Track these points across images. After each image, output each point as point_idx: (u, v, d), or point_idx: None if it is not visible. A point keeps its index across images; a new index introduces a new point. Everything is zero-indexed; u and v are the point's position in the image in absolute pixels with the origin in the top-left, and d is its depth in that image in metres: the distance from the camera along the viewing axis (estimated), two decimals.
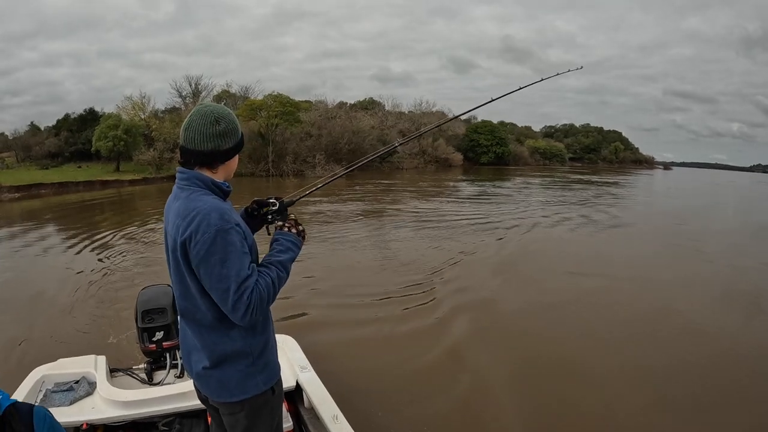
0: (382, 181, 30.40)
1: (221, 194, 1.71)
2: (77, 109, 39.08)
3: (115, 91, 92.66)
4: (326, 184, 2.42)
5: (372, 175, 34.79)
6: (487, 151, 54.66)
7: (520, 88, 3.07)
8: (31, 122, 40.49)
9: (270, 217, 1.94)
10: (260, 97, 37.50)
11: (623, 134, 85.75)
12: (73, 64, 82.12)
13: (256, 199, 1.99)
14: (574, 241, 12.79)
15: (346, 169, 2.74)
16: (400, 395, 4.39)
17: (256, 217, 1.99)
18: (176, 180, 1.72)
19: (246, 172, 31.81)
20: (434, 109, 53.51)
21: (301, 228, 1.88)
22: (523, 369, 5.04)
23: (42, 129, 39.24)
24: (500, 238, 12.31)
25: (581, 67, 3.58)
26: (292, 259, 1.79)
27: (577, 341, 5.83)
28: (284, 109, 33.30)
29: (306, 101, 45.22)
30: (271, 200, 1.97)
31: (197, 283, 1.64)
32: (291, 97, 36.15)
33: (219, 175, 1.73)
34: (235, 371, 1.74)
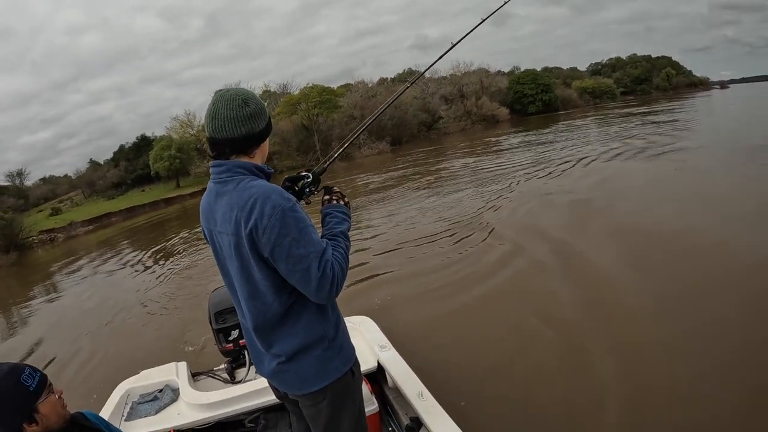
0: (422, 150, 29.77)
1: (266, 178, 1.60)
2: (130, 137, 40.85)
3: (162, 113, 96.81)
4: (344, 147, 2.30)
5: (420, 144, 34.48)
6: (533, 101, 52.48)
7: (473, 29, 2.95)
8: (90, 159, 42.83)
9: (308, 189, 1.86)
10: (298, 92, 37.72)
11: (673, 59, 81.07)
12: (118, 96, 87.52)
13: (287, 176, 1.89)
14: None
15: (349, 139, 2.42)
16: (486, 365, 4.12)
17: (292, 193, 1.84)
18: (213, 174, 1.58)
19: (296, 165, 32.18)
20: (473, 68, 51.96)
21: (347, 199, 1.82)
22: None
23: (102, 163, 41.34)
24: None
25: None
26: (349, 229, 1.73)
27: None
28: (321, 98, 33.35)
29: (343, 85, 45.29)
30: (303, 173, 1.88)
31: (268, 277, 1.55)
32: (329, 85, 36.53)
33: (256, 160, 1.61)
34: (313, 358, 1.66)
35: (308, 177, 1.88)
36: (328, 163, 2.05)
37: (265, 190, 1.48)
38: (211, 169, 1.59)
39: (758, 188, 8.16)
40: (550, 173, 12.79)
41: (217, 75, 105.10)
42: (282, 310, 1.60)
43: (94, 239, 21.39)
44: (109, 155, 40.84)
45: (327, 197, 1.81)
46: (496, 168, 15.56)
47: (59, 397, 1.63)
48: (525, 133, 29.41)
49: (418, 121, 40.77)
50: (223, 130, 1.52)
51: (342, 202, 1.79)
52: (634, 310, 4.67)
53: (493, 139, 28.76)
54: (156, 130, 38.82)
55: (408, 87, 2.91)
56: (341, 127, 35.79)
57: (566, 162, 14.21)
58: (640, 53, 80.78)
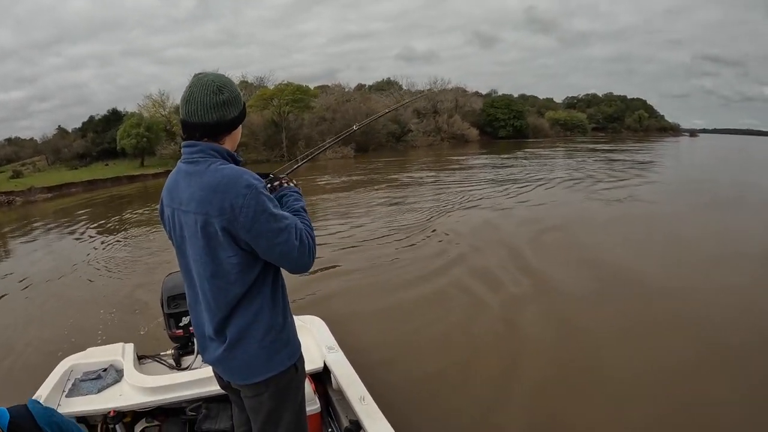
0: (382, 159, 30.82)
1: (236, 164, 1.65)
2: (104, 108, 40.71)
3: (140, 88, 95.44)
4: (309, 159, 2.47)
5: (386, 154, 35.68)
6: (505, 125, 54.34)
7: (385, 113, 3.30)
8: (59, 126, 42.48)
9: (269, 186, 1.87)
10: (273, 87, 38.32)
11: (648, 102, 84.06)
12: (98, 65, 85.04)
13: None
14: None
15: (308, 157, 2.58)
16: (430, 370, 4.31)
17: None
18: (184, 154, 1.62)
19: (261, 158, 32.98)
20: (450, 86, 53.41)
21: (295, 181, 1.88)
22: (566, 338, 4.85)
23: (70, 132, 41.08)
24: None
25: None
26: (304, 208, 1.78)
27: None
28: (294, 96, 34.02)
29: (319, 86, 46.01)
30: (264, 174, 1.91)
31: (235, 256, 1.59)
32: (308, 84, 37.13)
33: (226, 146, 1.67)
34: (259, 348, 1.69)
35: (266, 176, 1.93)
36: (292, 169, 2.14)
37: (237, 172, 1.54)
38: (183, 149, 1.62)
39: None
40: (507, 192, 14.49)
41: (200, 58, 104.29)
42: (243, 291, 1.63)
43: (52, 207, 21.31)
44: (79, 124, 40.58)
45: (276, 182, 1.84)
46: (453, 183, 17.11)
47: None
48: (489, 156, 31.13)
49: (387, 131, 41.84)
50: (195, 114, 1.57)
51: (292, 184, 1.83)
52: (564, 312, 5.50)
53: (457, 158, 30.08)
54: (129, 105, 39.02)
55: (382, 114, 3.16)
56: (311, 128, 36.58)
57: (522, 185, 15.94)
58: (617, 92, 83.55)
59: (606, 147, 40.14)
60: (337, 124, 36.62)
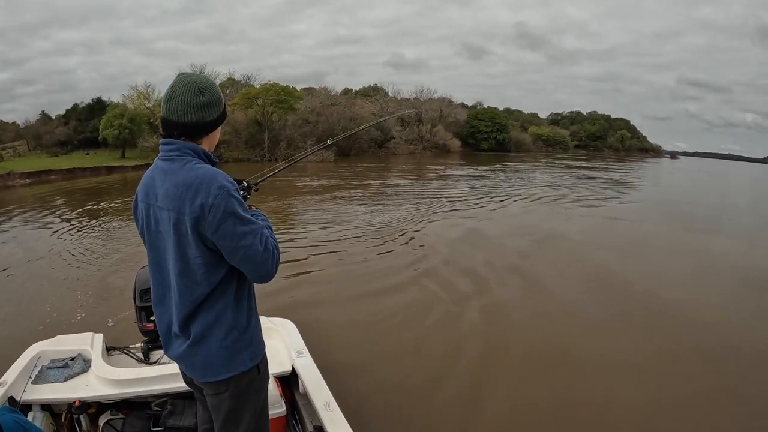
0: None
1: (211, 165, 1.69)
2: (88, 96, 40.60)
3: (127, 78, 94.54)
4: (282, 169, 2.63)
5: (366, 159, 36.33)
6: (487, 138, 55.35)
7: (360, 130, 3.78)
8: (42, 111, 42.12)
9: (242, 193, 1.96)
10: (259, 86, 38.70)
11: (632, 122, 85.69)
12: (86, 52, 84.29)
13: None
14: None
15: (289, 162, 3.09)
16: (398, 378, 4.36)
17: None
18: (162, 151, 1.66)
19: (242, 157, 33.38)
20: (436, 96, 54.32)
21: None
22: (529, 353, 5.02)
23: (53, 118, 40.83)
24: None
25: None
26: (270, 227, 1.81)
27: None
28: (279, 97, 34.48)
29: (305, 88, 46.57)
30: (239, 180, 1.98)
31: (202, 256, 1.62)
32: (294, 86, 37.51)
33: (203, 146, 1.71)
34: (221, 347, 1.72)
35: (243, 184, 2.02)
36: (264, 178, 2.22)
37: (211, 173, 1.58)
38: (161, 146, 1.65)
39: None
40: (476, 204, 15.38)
41: (189, 52, 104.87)
42: (208, 291, 1.66)
43: (30, 193, 21.43)
44: (62, 110, 40.21)
45: (248, 188, 1.99)
46: (431, 191, 18.23)
47: None
48: (468, 167, 32.11)
49: (369, 137, 42.44)
50: (175, 113, 1.60)
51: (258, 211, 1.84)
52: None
53: (435, 167, 30.83)
54: (114, 95, 38.97)
55: (355, 131, 3.59)
56: (294, 129, 37.08)
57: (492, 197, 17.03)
58: (601, 111, 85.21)
59: (585, 165, 41.36)
60: (321, 127, 37.19)
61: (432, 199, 15.81)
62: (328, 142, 3.11)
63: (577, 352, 5.00)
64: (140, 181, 1.73)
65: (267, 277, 1.71)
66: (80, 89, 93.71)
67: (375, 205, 14.69)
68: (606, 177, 29.44)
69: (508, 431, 3.75)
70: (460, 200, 16.06)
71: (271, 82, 36.97)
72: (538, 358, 4.85)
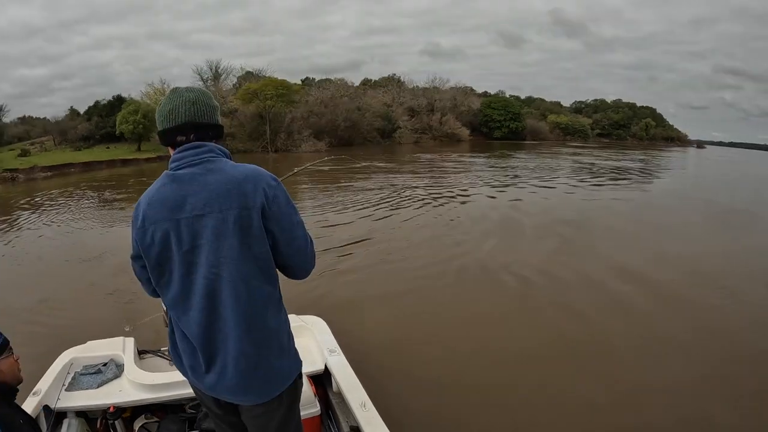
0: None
1: None
2: (124, 89, 42.59)
3: (161, 71, 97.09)
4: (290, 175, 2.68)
5: (368, 150, 37.18)
6: (500, 126, 55.46)
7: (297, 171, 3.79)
8: (71, 107, 44.75)
9: None
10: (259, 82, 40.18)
11: (666, 111, 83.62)
12: (122, 46, 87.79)
13: None
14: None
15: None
16: (433, 376, 4.22)
17: None
18: (186, 158, 1.54)
19: (246, 148, 35.17)
20: (447, 86, 54.87)
21: None
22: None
23: (81, 114, 43.30)
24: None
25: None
26: None
27: None
28: (277, 91, 35.85)
29: (323, 79, 47.63)
30: None
31: (267, 250, 1.56)
32: (295, 82, 38.69)
33: None
34: (280, 357, 1.63)
35: None
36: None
37: (255, 167, 1.56)
38: (182, 153, 1.54)
39: None
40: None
41: (224, 44, 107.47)
42: (271, 291, 1.60)
43: (50, 185, 22.18)
44: (103, 102, 42.97)
45: None
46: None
47: (16, 360, 1.83)
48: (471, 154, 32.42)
49: (372, 128, 43.12)
50: (205, 115, 1.58)
51: None
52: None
53: (428, 156, 31.47)
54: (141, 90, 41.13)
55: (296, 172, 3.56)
56: (302, 121, 38.46)
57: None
58: (635, 100, 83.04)
59: (595, 153, 40.68)
60: (324, 119, 38.38)
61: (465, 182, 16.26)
62: (295, 169, 3.42)
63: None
64: (146, 204, 1.54)
65: (310, 269, 1.71)
66: (115, 82, 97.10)
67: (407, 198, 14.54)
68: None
69: None
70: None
71: (271, 77, 38.65)
72: (585, 359, 4.67)
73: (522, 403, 3.94)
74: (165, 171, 1.56)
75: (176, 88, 1.62)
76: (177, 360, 1.67)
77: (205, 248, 1.50)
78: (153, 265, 1.56)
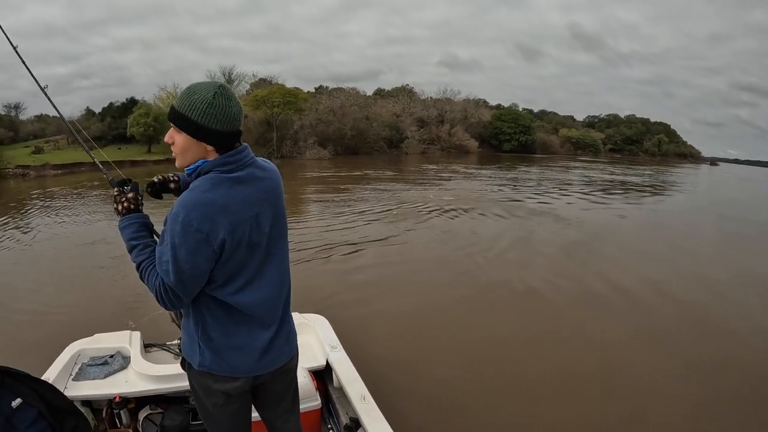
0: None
1: None
2: (143, 91, 43.03)
3: (179, 74, 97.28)
4: None
5: (372, 159, 37.27)
6: (510, 139, 55.35)
7: None
8: (87, 107, 45.59)
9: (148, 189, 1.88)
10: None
11: (680, 127, 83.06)
12: (142, 48, 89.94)
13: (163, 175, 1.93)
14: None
15: None
16: (434, 373, 4.33)
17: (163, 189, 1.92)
18: (243, 158, 1.57)
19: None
20: (458, 98, 55.08)
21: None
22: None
23: (96, 114, 44.06)
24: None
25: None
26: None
27: None
28: (283, 99, 36.31)
29: (320, 87, 47.98)
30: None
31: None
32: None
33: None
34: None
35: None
36: None
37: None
38: (240, 155, 1.56)
39: None
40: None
41: (242, 49, 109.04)
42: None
43: (58, 182, 22.81)
44: (117, 104, 43.71)
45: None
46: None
47: None
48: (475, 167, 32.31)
49: (379, 137, 43.35)
50: (240, 119, 1.57)
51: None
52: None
53: (434, 167, 31.49)
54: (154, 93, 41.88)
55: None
56: (310, 129, 38.84)
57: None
58: (650, 115, 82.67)
59: (601, 167, 40.36)
60: (332, 128, 38.73)
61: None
62: None
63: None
64: (222, 207, 1.49)
65: None
66: (134, 84, 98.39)
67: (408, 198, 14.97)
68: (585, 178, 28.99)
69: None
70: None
71: (278, 84, 39.14)
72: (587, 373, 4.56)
73: (520, 397, 4.06)
74: (215, 174, 1.52)
75: (223, 84, 1.54)
76: (234, 351, 1.69)
77: (278, 235, 1.69)
78: (236, 261, 1.58)
